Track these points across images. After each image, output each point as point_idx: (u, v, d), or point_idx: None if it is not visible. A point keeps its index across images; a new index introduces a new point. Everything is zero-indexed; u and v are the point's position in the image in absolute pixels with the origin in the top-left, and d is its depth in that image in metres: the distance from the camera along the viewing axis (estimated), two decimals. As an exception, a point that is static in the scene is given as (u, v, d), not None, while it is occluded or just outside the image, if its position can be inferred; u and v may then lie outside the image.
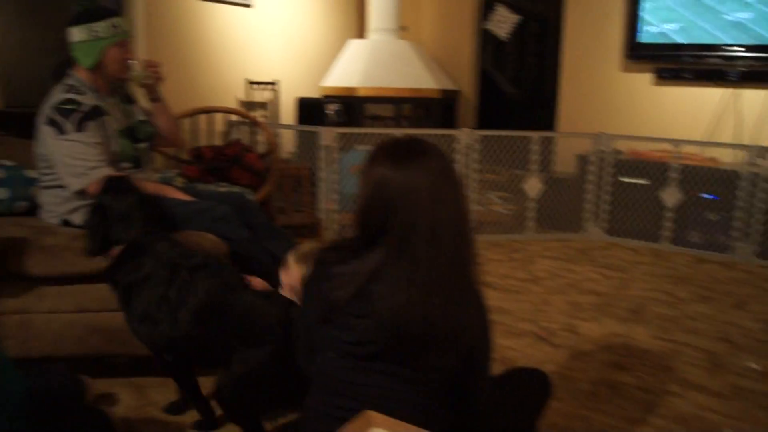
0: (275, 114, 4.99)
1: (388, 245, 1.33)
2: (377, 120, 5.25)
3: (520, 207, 4.52)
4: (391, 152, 1.36)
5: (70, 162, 2.32)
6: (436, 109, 5.20)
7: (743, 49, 4.60)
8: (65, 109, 2.34)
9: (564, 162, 4.71)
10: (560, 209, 4.52)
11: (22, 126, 3.42)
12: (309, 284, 1.46)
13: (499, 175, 4.56)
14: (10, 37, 4.04)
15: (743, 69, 4.63)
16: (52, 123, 2.33)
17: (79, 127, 2.33)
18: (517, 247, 4.22)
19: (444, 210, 1.32)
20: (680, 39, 4.83)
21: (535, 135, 4.36)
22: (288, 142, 4.58)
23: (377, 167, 1.34)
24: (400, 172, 1.31)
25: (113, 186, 2.01)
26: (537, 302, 3.17)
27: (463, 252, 1.36)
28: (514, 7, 5.85)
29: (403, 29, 5.47)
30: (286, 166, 4.20)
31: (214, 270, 1.85)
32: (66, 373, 1.91)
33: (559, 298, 3.23)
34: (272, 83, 4.94)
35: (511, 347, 2.59)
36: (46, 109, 2.37)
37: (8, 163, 2.67)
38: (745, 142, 4.42)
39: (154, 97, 2.71)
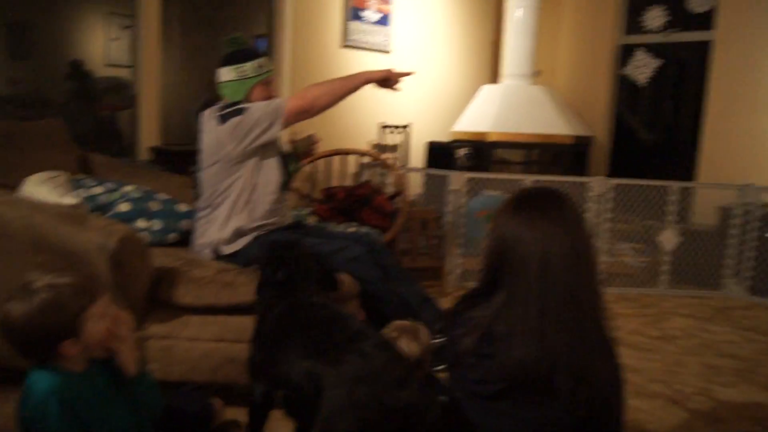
0: (405, 157, 5.13)
1: (506, 288, 1.37)
2: (507, 165, 5.25)
3: (654, 260, 4.33)
4: (513, 200, 1.42)
5: (256, 117, 2.50)
6: (567, 155, 5.13)
7: None
8: (233, 111, 2.53)
9: (703, 214, 4.47)
10: (697, 264, 4.28)
11: (177, 162, 3.75)
12: (446, 333, 1.53)
13: (632, 225, 4.40)
14: (172, 79, 4.45)
15: None
16: (223, 118, 2.52)
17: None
18: (649, 302, 4.03)
19: (557, 254, 1.35)
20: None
21: (674, 185, 4.18)
22: (416, 185, 4.68)
23: (499, 215, 1.41)
24: (515, 219, 1.37)
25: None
26: (670, 362, 3.00)
27: (583, 296, 1.37)
28: (654, 52, 5.68)
29: (536, 74, 5.47)
30: (414, 208, 4.28)
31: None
32: (199, 397, 2.05)
33: (694, 360, 3.04)
34: (404, 127, 5.08)
35: (642, 409, 2.47)
36: (210, 119, 2.58)
37: (164, 196, 2.94)
38: None
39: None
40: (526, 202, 1.41)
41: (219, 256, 2.59)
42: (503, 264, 1.38)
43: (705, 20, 5.32)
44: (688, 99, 5.61)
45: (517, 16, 5.27)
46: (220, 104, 2.65)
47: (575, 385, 1.34)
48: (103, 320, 1.48)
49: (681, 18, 5.53)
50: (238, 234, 2.57)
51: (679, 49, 5.61)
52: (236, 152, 2.53)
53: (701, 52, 5.34)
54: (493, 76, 5.94)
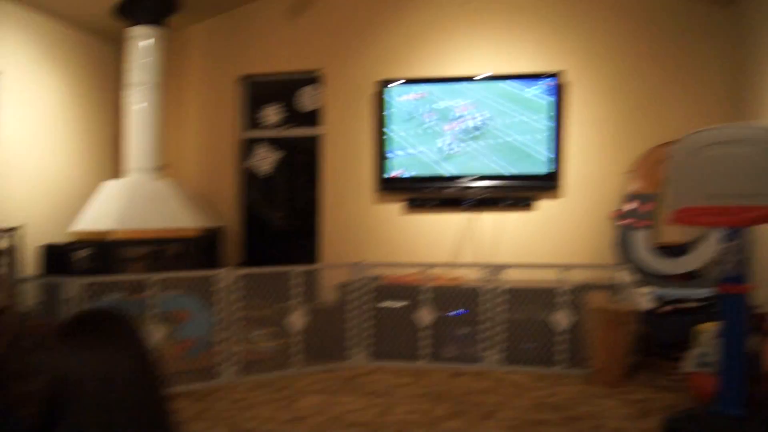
0: (16, 264, 4.57)
1: (66, 421, 1.27)
2: (134, 263, 5.03)
3: (287, 342, 4.53)
4: (60, 328, 1.34)
5: None
6: (198, 248, 5.13)
7: (475, 180, 5.26)
8: None
9: (329, 292, 4.86)
10: (327, 339, 4.60)
11: None
12: None
13: (265, 310, 4.55)
14: None
15: (476, 197, 5.26)
16: None
17: None
18: (284, 384, 4.17)
19: (118, 375, 1.29)
20: (423, 173, 5.39)
21: (295, 269, 4.47)
22: (30, 296, 4.19)
23: (45, 345, 1.32)
24: (65, 346, 1.29)
25: None
26: (300, 443, 3.13)
27: (150, 412, 1.34)
28: (274, 145, 6.11)
29: (163, 168, 5.44)
30: (26, 323, 3.81)
31: None
32: None
33: (322, 436, 3.22)
34: (12, 229, 4.54)
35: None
36: None
37: None
38: (483, 261, 4.94)
39: None
40: (75, 328, 1.33)
41: None
42: (59, 395, 1.27)
43: (315, 117, 5.94)
44: (311, 188, 6.14)
45: (139, 110, 5.20)
46: None
47: None
48: None
49: (295, 115, 6.09)
50: None
51: (297, 143, 6.15)
52: None
53: (314, 144, 5.92)
54: (117, 171, 5.72)
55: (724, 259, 2.95)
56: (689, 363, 3.53)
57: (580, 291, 4.46)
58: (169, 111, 5.92)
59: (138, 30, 5.16)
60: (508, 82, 5.29)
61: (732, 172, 2.97)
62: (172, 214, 5.06)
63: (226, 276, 4.26)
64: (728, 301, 3.04)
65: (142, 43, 5.16)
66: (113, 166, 5.81)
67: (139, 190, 5.12)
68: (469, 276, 4.86)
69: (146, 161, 5.23)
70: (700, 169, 3.08)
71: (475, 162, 5.30)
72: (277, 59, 5.94)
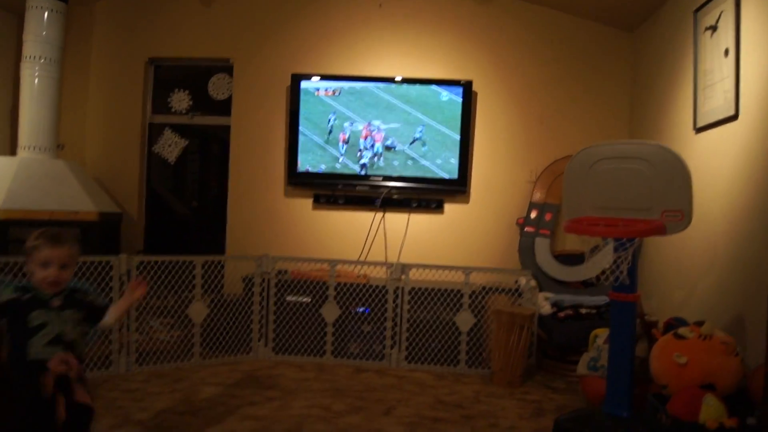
0: None
1: None
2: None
3: (187, 333, 4.38)
4: None
5: None
6: (95, 232, 4.88)
7: (383, 179, 5.29)
8: None
9: (233, 284, 4.74)
10: (229, 332, 4.49)
11: None
12: None
13: (164, 300, 4.38)
14: None
15: (385, 196, 5.29)
16: None
17: None
18: (182, 376, 4.03)
19: None
20: (334, 170, 5.35)
21: (197, 259, 4.32)
22: None
23: None
24: None
25: None
26: (192, 437, 3.02)
27: None
28: (181, 131, 5.91)
29: (59, 148, 5.15)
30: None
31: None
32: None
33: (215, 430, 3.12)
34: None
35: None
36: None
37: None
38: (390, 260, 4.97)
39: None
40: None
41: None
42: None
43: (225, 107, 5.79)
44: (218, 177, 5.98)
45: (33, 85, 4.90)
46: None
47: None
48: None
49: (204, 103, 5.90)
50: None
51: (205, 132, 5.96)
52: None
53: (224, 134, 5.76)
54: (13, 148, 5.37)
55: (615, 269, 3.08)
56: (582, 366, 3.67)
57: (482, 293, 4.56)
58: (70, 88, 5.64)
59: (38, 0, 4.88)
60: (422, 86, 5.35)
61: (621, 186, 3.11)
62: (67, 197, 4.80)
63: (122, 263, 4.07)
64: (618, 308, 3.18)
65: (42, 15, 4.89)
66: (10, 143, 5.46)
67: (32, 168, 4.82)
68: (376, 274, 4.87)
69: (42, 139, 4.94)
70: (592, 182, 3.21)
71: (385, 163, 5.32)
72: (188, 44, 5.74)
